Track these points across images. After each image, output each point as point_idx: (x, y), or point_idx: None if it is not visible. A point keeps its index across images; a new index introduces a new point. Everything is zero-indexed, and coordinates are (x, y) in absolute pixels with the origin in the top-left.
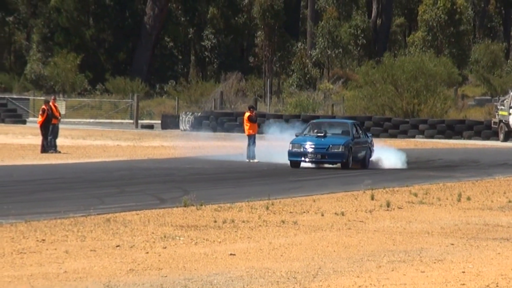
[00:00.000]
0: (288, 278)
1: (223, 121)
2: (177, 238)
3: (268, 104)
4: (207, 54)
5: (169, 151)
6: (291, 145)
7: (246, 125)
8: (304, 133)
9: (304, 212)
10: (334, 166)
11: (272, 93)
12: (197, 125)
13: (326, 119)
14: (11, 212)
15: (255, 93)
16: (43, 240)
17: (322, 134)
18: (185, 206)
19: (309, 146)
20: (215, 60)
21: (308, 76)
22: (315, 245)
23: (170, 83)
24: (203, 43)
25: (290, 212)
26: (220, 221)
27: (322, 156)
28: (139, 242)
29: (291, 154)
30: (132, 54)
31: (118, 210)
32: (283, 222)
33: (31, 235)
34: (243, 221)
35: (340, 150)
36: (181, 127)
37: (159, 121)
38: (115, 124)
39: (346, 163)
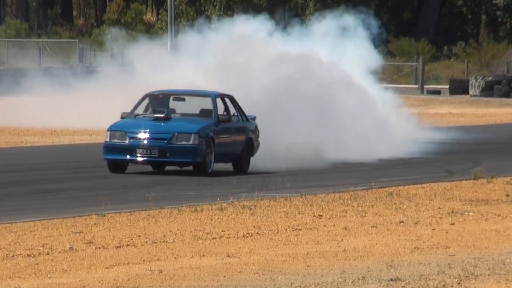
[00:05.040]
0: None
1: None
2: (466, 213)
3: None
4: (499, 13)
5: (458, 119)
6: (108, 133)
7: None
8: (136, 112)
9: None
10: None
11: None
12: (488, 90)
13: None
14: (286, 185)
15: None
16: (320, 215)
17: (163, 115)
18: (474, 179)
19: (141, 135)
20: (508, 19)
21: None
22: None
23: (458, 45)
24: (494, 1)
25: None
26: None
27: (160, 153)
28: (424, 218)
29: (107, 149)
30: (418, 13)
31: (401, 183)
32: None
33: (307, 210)
34: None
35: (191, 142)
36: (470, 92)
37: (447, 86)
38: (399, 89)
39: (201, 164)
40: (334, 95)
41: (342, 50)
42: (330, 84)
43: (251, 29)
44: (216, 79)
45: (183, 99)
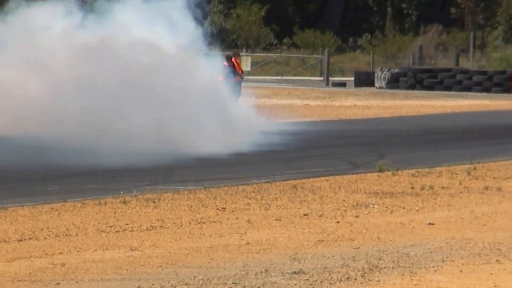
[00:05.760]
0: (492, 250)
1: (422, 78)
2: (371, 206)
3: (471, 59)
4: (404, 5)
5: (363, 111)
6: None
7: None
8: None
9: (510, 177)
10: None
11: (476, 47)
12: (394, 82)
13: None
14: (190, 177)
15: (457, 47)
16: (224, 208)
17: None
18: (379, 171)
19: None
20: (414, 11)
21: None
22: None
23: (364, 37)
24: None
25: (494, 178)
26: (417, 187)
27: None
28: (328, 211)
29: None
30: (323, 5)
31: (306, 176)
32: (486, 188)
33: (211, 203)
34: (443, 188)
35: None
36: (376, 84)
37: (352, 78)
38: (304, 81)
39: None
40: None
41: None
42: (143, 68)
43: (48, 17)
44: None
45: None
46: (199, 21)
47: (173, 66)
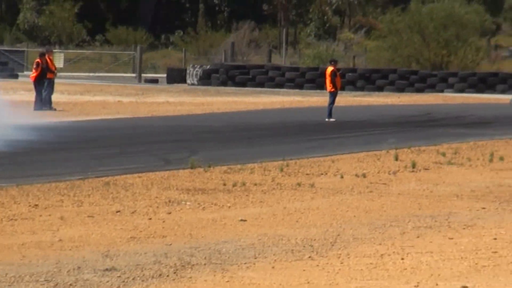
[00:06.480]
0: (304, 246)
1: (235, 75)
2: (183, 202)
3: (283, 56)
4: (217, 1)
5: (175, 108)
6: None
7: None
8: None
9: (322, 174)
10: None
11: (288, 44)
12: (206, 79)
13: None
14: (1, 175)
15: (269, 44)
16: (36, 205)
17: None
18: (191, 168)
19: None
20: (226, 8)
21: (327, 25)
22: (334, 210)
23: (176, 34)
24: None
25: (307, 174)
26: (230, 184)
27: None
28: (141, 208)
29: None
30: (136, 2)
31: (118, 173)
32: (299, 185)
33: (23, 200)
34: (255, 184)
35: None
36: (188, 81)
37: (164, 75)
38: (116, 78)
39: None
40: None
41: None
42: None
43: None
44: None
45: None
46: None
47: None
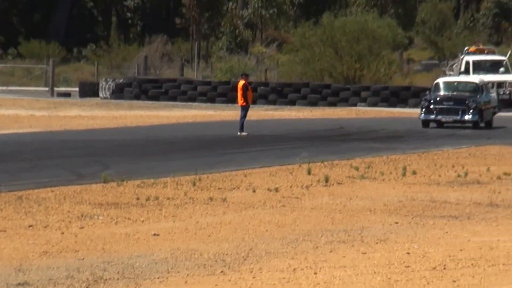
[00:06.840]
0: (216, 261)
1: (147, 89)
2: (96, 217)
3: (195, 69)
4: (130, 15)
5: (88, 122)
6: None
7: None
8: None
9: (234, 188)
10: None
11: (200, 58)
12: (119, 92)
13: None
14: None
15: (182, 57)
16: None
17: None
18: (104, 182)
19: None
20: (139, 21)
21: (239, 38)
22: (246, 224)
23: (89, 47)
24: (125, 3)
25: (219, 188)
26: (143, 198)
27: None
28: (53, 222)
29: None
30: (49, 15)
31: (31, 187)
32: (211, 199)
33: None
34: (168, 198)
35: None
36: (100, 95)
37: (77, 89)
38: (29, 92)
39: None
40: None
41: None
42: None
43: None
44: None
45: None
46: None
47: None
